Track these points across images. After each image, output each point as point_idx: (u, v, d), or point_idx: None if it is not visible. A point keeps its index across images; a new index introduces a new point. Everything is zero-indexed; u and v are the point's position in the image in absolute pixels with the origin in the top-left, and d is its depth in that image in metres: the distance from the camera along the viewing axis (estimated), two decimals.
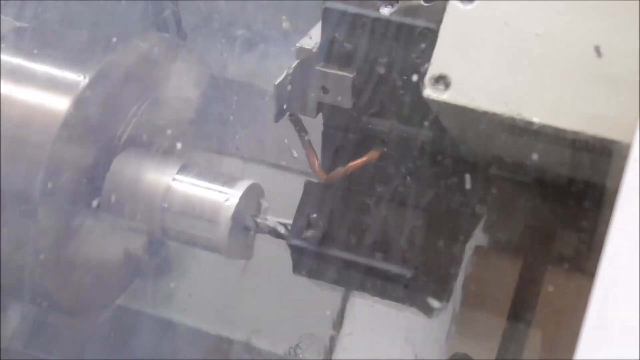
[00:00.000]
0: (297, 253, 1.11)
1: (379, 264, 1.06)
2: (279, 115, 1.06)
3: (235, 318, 1.46)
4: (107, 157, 1.26)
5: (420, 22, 0.95)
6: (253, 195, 1.25)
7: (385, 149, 1.04)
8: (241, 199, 1.22)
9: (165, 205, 1.25)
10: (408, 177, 1.04)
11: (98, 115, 1.25)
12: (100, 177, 1.25)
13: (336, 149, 1.07)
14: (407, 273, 1.04)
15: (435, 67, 0.88)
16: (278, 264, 1.16)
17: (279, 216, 1.19)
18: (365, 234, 1.07)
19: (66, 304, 1.30)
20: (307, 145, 1.07)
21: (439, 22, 0.89)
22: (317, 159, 1.07)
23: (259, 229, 1.21)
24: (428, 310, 1.09)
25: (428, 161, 1.03)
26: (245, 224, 1.22)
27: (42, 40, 1.35)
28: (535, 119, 0.84)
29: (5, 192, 1.20)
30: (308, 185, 1.10)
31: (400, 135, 1.02)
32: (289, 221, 1.14)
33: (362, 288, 1.10)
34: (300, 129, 1.08)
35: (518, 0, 0.86)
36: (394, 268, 1.05)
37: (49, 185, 1.19)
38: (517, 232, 1.10)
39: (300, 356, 1.40)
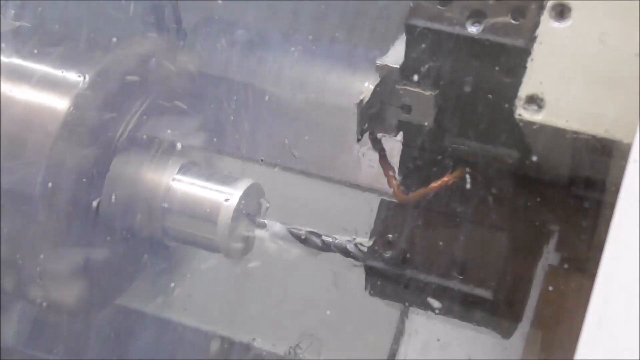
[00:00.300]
0: (374, 274, 1.07)
1: (459, 285, 1.02)
2: (360, 134, 1.02)
3: (236, 318, 1.46)
4: (107, 157, 1.26)
5: (509, 40, 0.91)
6: (253, 195, 1.25)
7: (468, 169, 1.00)
8: (241, 198, 1.22)
9: (165, 205, 1.25)
10: (489, 198, 1.01)
11: (98, 115, 1.25)
12: (100, 177, 1.25)
13: (416, 168, 1.04)
14: (489, 295, 1.01)
15: (527, 86, 0.85)
16: (278, 264, 1.16)
17: (277, 215, 1.19)
18: (444, 255, 1.03)
19: (66, 304, 1.30)
20: (386, 165, 1.04)
21: (528, 40, 0.86)
22: (396, 179, 1.04)
23: (327, 248, 1.15)
24: (505, 332, 1.05)
25: (510, 182, 1.00)
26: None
27: (42, 40, 1.34)
28: None
29: (5, 192, 1.20)
30: (383, 204, 1.06)
31: (484, 155, 0.98)
32: (360, 239, 1.10)
33: (440, 311, 1.05)
34: (380, 148, 1.05)
35: (615, 18, 0.82)
36: (475, 290, 1.01)
37: (49, 185, 1.19)
38: (595, 253, 1.05)
39: (300, 356, 1.39)
